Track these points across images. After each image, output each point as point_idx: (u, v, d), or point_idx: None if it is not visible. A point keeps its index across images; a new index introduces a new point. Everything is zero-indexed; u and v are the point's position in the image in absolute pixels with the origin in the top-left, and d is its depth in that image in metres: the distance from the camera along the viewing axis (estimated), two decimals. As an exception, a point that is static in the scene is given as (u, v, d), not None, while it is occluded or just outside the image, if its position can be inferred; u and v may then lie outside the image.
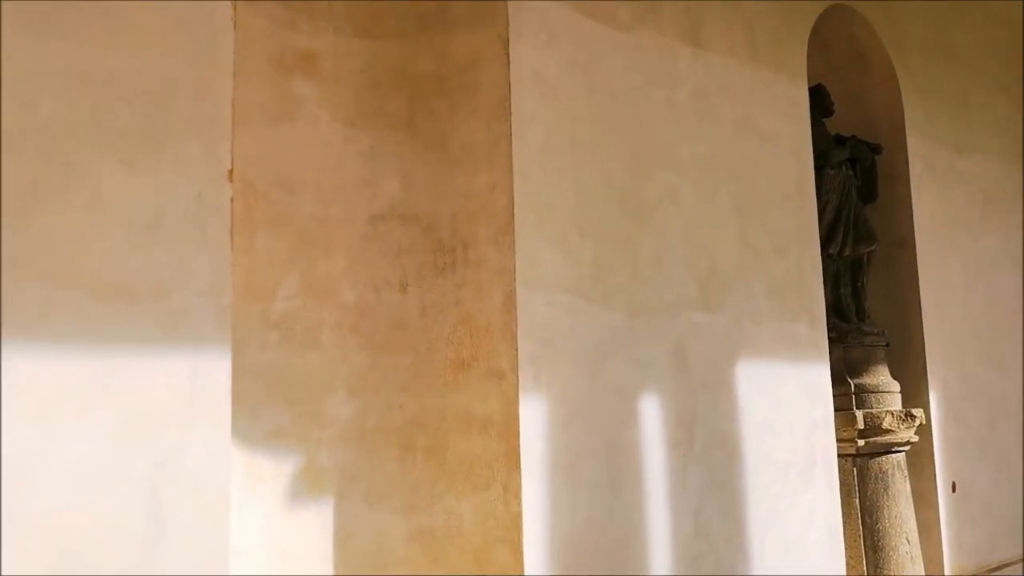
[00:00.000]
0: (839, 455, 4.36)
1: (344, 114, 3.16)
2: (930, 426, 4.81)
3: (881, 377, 4.51)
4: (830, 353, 4.47)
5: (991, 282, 5.49)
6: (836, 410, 4.34)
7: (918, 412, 4.42)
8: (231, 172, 2.32)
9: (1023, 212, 5.92)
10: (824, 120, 4.90)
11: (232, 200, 2.32)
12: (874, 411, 4.33)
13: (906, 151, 5.00)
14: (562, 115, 3.25)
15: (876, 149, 4.85)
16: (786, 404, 3.93)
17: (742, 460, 3.67)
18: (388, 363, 3.08)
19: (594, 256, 3.28)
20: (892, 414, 4.33)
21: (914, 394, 4.87)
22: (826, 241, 4.60)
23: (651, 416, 3.37)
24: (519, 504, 2.89)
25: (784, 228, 4.08)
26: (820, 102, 4.83)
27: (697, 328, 3.61)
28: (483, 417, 3.01)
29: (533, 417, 2.97)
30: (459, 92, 3.21)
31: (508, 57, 3.09)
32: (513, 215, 3.02)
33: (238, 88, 2.41)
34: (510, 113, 3.07)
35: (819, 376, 4.13)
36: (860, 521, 4.33)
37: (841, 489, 4.33)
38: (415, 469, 3.05)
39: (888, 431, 4.33)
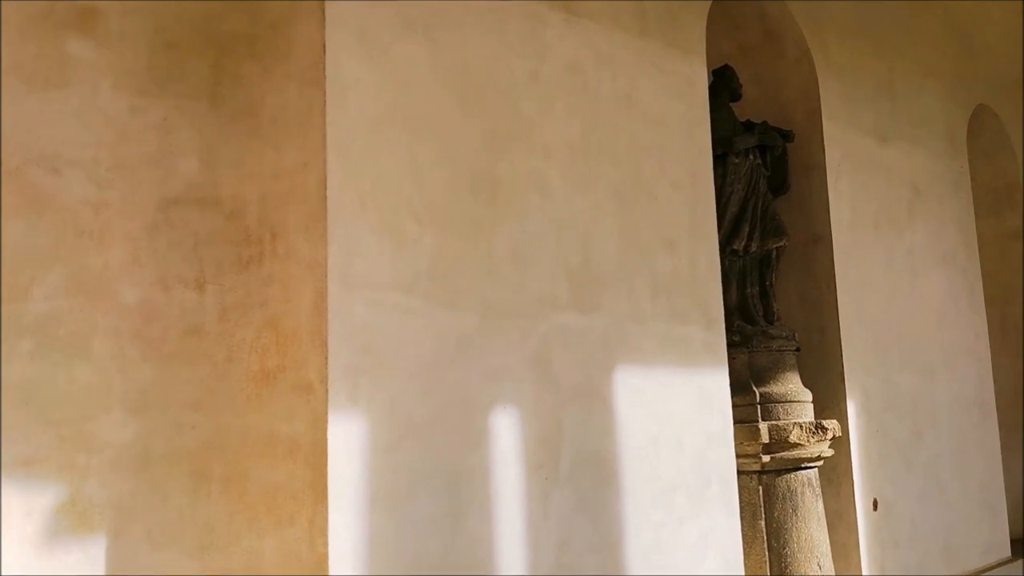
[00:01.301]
0: (742, 472, 3.93)
1: (132, 81, 2.67)
2: (848, 439, 4.40)
3: (790, 385, 4.08)
4: (734, 359, 4.05)
5: (918, 282, 5.11)
6: (738, 422, 3.91)
7: (831, 424, 4.00)
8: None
9: (957, 207, 5.55)
10: (731, 104, 4.49)
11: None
12: (781, 423, 3.90)
13: (822, 139, 4.59)
14: (396, 82, 2.78)
15: (787, 136, 4.44)
16: (675, 416, 3.48)
17: (618, 483, 3.21)
18: (179, 376, 2.58)
19: (436, 249, 2.81)
20: (801, 426, 3.90)
21: (830, 404, 4.46)
22: (730, 235, 4.18)
23: (505, 434, 2.90)
24: (325, 544, 2.41)
25: (675, 220, 3.64)
26: (727, 85, 4.43)
27: (566, 331, 3.15)
28: (289, 439, 2.52)
29: (346, 439, 2.49)
30: (271, 54, 2.73)
31: (323, 11, 2.61)
32: (326, 198, 2.54)
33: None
34: (324, 77, 2.59)
35: (716, 384, 3.69)
36: (766, 546, 3.90)
37: (745, 511, 3.90)
38: (210, 502, 2.56)
39: (796, 445, 3.90)
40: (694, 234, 3.72)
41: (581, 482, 3.10)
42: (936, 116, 5.53)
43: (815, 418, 4.23)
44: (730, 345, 4.07)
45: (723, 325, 3.78)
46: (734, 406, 3.96)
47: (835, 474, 4.42)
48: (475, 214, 2.93)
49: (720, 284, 3.81)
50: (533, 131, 3.17)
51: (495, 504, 2.83)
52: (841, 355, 4.44)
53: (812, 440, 3.93)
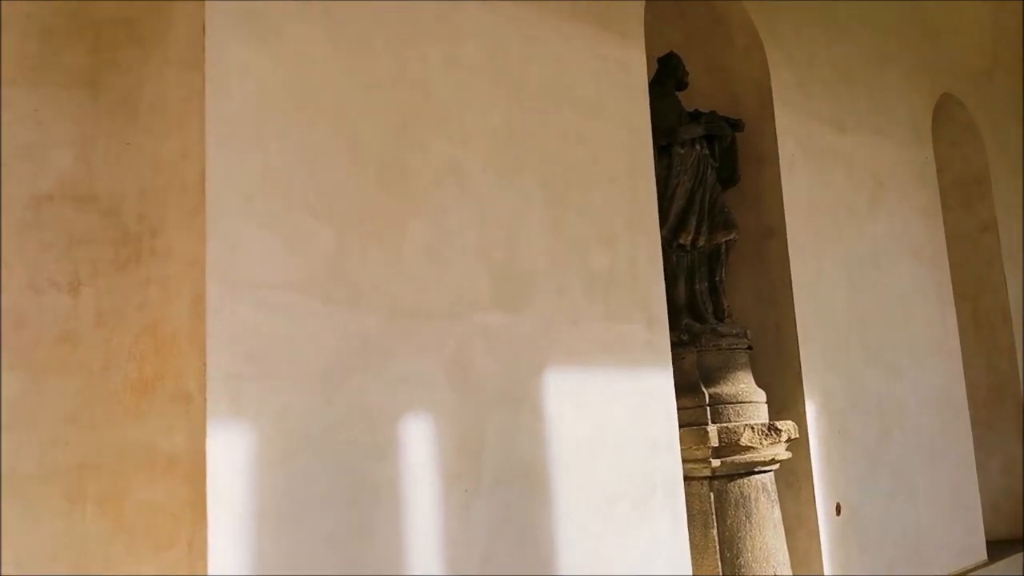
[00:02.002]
0: (692, 478, 3.73)
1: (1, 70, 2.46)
2: (807, 440, 4.20)
3: (742, 385, 3.88)
4: (682, 359, 3.86)
5: (882, 276, 4.92)
6: (687, 425, 3.72)
7: (786, 425, 3.79)
8: None
9: (922, 199, 5.37)
10: (679, 94, 4.30)
11: None
12: (731, 425, 3.70)
13: (774, 128, 4.40)
14: (290, 66, 2.57)
15: (736, 125, 4.26)
16: (615, 421, 3.28)
17: (551, 493, 3.00)
18: (50, 387, 2.37)
19: (336, 245, 2.60)
20: (753, 428, 3.70)
21: (788, 404, 4.26)
22: (676, 229, 3.99)
23: (418, 444, 2.69)
24: (204, 567, 2.19)
25: (611, 214, 3.44)
26: (672, 73, 4.25)
27: (488, 332, 2.94)
28: (168, 454, 2.30)
29: (229, 452, 2.27)
30: (151, 37, 2.52)
31: (203, -11, 2.41)
32: (204, 190, 2.33)
33: None
34: (204, 60, 2.38)
35: (660, 386, 3.49)
36: (719, 556, 3.69)
37: (696, 519, 3.70)
38: (85, 525, 2.34)
39: (748, 448, 3.70)
40: (634, 228, 3.52)
41: (507, 493, 2.89)
42: (898, 105, 5.35)
43: (770, 419, 4.03)
44: (678, 344, 3.88)
45: (666, 323, 3.58)
46: (682, 408, 3.76)
47: (794, 478, 4.22)
48: (382, 207, 2.73)
49: (663, 280, 3.61)
50: (450, 119, 2.96)
51: (407, 519, 2.62)
52: (798, 353, 4.25)
53: (765, 443, 3.72)
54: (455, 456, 2.77)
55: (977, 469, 5.53)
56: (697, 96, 4.51)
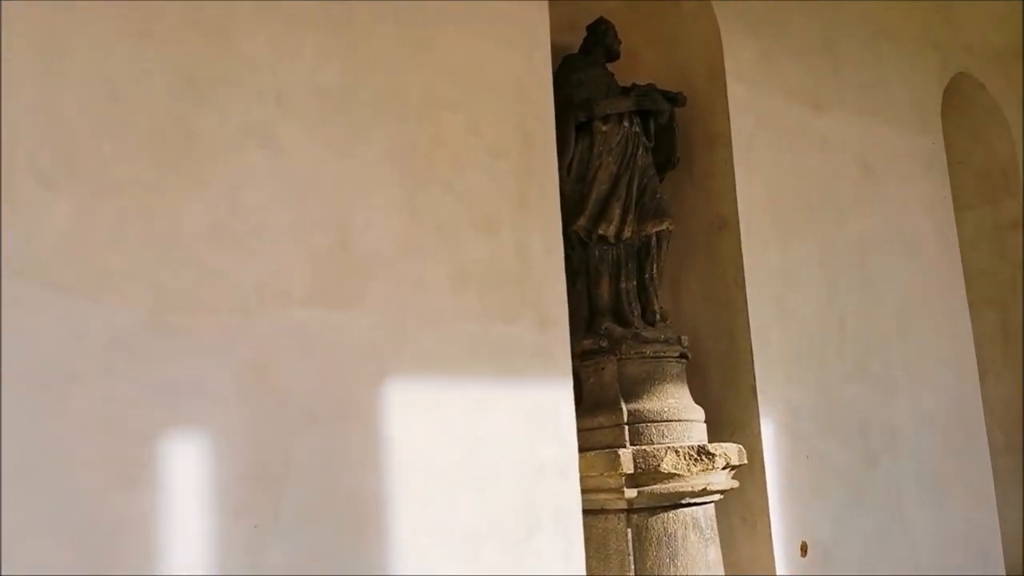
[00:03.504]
0: (606, 511, 3.14)
1: None
2: (761, 467, 3.55)
3: (670, 400, 3.27)
4: (602, 368, 3.29)
5: (869, 277, 4.23)
6: (604, 447, 3.13)
7: (721, 449, 3.16)
8: None
9: (927, 191, 4.66)
10: (610, 66, 3.74)
11: None
12: (649, 448, 3.09)
13: (727, 104, 3.79)
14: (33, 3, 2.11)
15: (675, 99, 3.66)
16: (486, 442, 2.71)
17: (383, 532, 2.45)
18: None
19: (77, 221, 2.12)
20: (678, 452, 3.08)
21: (741, 423, 3.62)
22: (597, 219, 3.41)
23: (189, 468, 2.17)
24: None
25: (494, 195, 2.90)
26: (600, 41, 3.68)
27: (303, 332, 2.42)
28: None
29: None
30: None
31: None
32: None
33: None
34: None
35: (554, 399, 2.91)
36: (637, 605, 3.08)
37: (612, 560, 3.11)
38: None
39: (672, 476, 3.08)
40: (525, 212, 2.97)
41: (318, 531, 2.35)
42: (896, 83, 4.66)
43: (722, 441, 3.40)
44: (596, 352, 3.31)
45: (566, 325, 3.01)
46: (598, 428, 3.19)
47: (749, 512, 3.57)
48: (151, 177, 2.24)
49: (563, 274, 3.04)
50: (259, 75, 2.47)
51: (162, 563, 2.10)
52: (752, 364, 3.61)
53: (694, 469, 3.10)
54: (242, 484, 2.25)
55: (999, 502, 4.75)
56: (642, 70, 3.95)
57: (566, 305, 3.02)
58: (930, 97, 4.78)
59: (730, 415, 3.64)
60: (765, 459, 3.55)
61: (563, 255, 3.05)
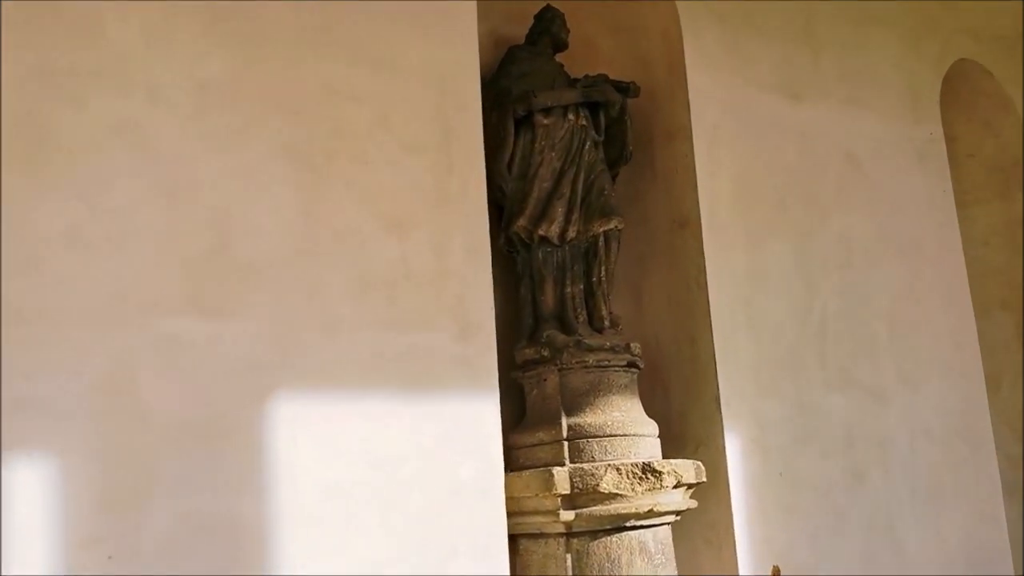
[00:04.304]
0: (545, 535, 2.90)
1: None
2: (726, 484, 3.26)
3: (615, 413, 3.01)
4: (544, 380, 3.05)
5: (859, 278, 3.91)
6: (545, 465, 2.88)
7: (670, 466, 2.90)
8: None
9: (923, 185, 4.33)
10: (561, 57, 3.52)
11: None
12: (587, 466, 2.83)
13: (687, 94, 3.53)
14: None
15: (627, 90, 3.42)
16: (393, 459, 2.50)
17: (266, 562, 2.23)
18: None
19: (-94, 225, 1.95)
20: (619, 470, 2.82)
21: (706, 438, 3.35)
22: (539, 219, 3.18)
23: (30, 494, 1.98)
24: None
25: (405, 192, 2.69)
26: (547, 29, 3.46)
27: (173, 345, 2.23)
28: None
29: None
30: None
31: None
32: None
33: None
34: None
35: (475, 414, 2.69)
36: (578, 639, 2.82)
37: (550, 589, 2.84)
38: None
39: (613, 496, 2.82)
40: (443, 211, 2.75)
41: (187, 561, 2.15)
42: (887, 72, 4.35)
43: (670, 456, 3.14)
44: (537, 362, 3.08)
45: (492, 333, 2.78)
46: (538, 444, 2.97)
47: (714, 533, 3.29)
48: (-7, 177, 2.06)
49: (490, 278, 2.82)
50: (128, 67, 2.29)
51: (-4, 599, 1.91)
52: (716, 372, 3.33)
53: (639, 489, 2.84)
54: (94, 511, 2.05)
55: (1016, 518, 4.39)
56: (600, 61, 3.71)
57: (492, 310, 2.79)
58: (927, 85, 4.46)
59: (693, 429, 3.37)
60: (730, 476, 3.27)
61: (490, 256, 2.83)
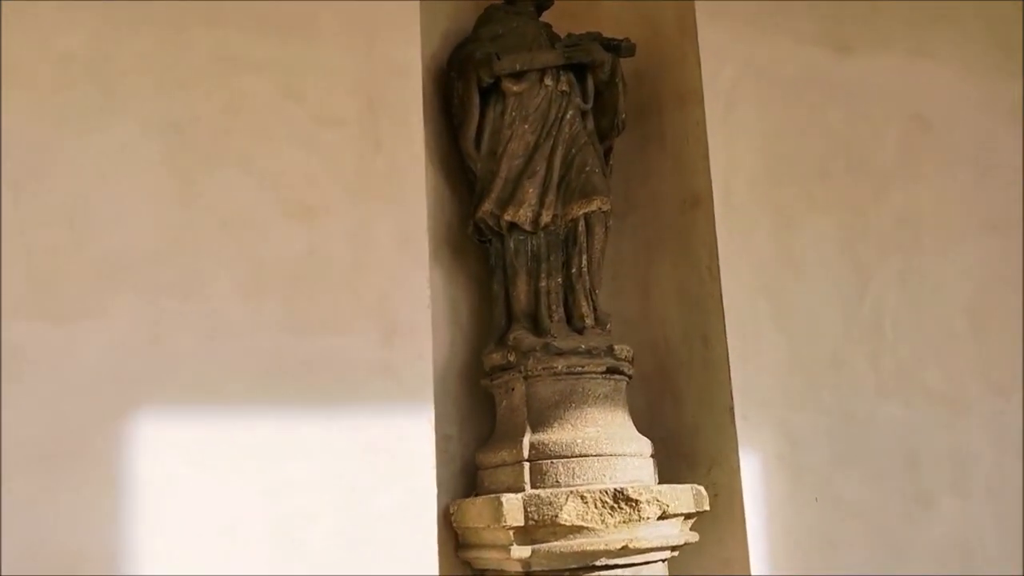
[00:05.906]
0: (504, 573, 2.45)
1: None
2: (741, 513, 2.72)
3: (588, 429, 2.53)
4: (512, 390, 2.62)
5: (927, 263, 3.25)
6: (504, 490, 2.45)
7: (651, 493, 2.39)
8: None
9: (1003, 151, 3.61)
10: (542, 16, 3.07)
11: None
12: (545, 493, 2.37)
13: (697, 52, 3.01)
14: None
15: (618, 48, 2.93)
16: (288, 486, 2.12)
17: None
18: None
19: None
20: (584, 498, 2.34)
21: (720, 457, 2.81)
22: (507, 202, 2.73)
23: None
24: None
25: (316, 174, 2.32)
26: (529, -14, 3.00)
27: (13, 353, 1.93)
28: None
29: None
30: None
31: None
32: None
33: None
34: None
35: (400, 430, 2.27)
36: None
37: (507, 640, 2.40)
38: None
39: (577, 529, 2.35)
40: (365, 195, 2.37)
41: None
42: (967, 17, 3.66)
43: (669, 481, 2.64)
44: (504, 368, 2.64)
45: (427, 336, 2.37)
46: (501, 465, 2.54)
47: (726, 569, 2.75)
48: None
49: (425, 272, 2.41)
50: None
51: None
52: (729, 378, 2.79)
53: (610, 521, 2.35)
54: None
55: None
56: (605, 21, 3.22)
57: (428, 310, 2.38)
58: (1011, 31, 3.72)
59: (706, 446, 2.85)
60: (746, 502, 2.72)
61: (426, 248, 2.42)
